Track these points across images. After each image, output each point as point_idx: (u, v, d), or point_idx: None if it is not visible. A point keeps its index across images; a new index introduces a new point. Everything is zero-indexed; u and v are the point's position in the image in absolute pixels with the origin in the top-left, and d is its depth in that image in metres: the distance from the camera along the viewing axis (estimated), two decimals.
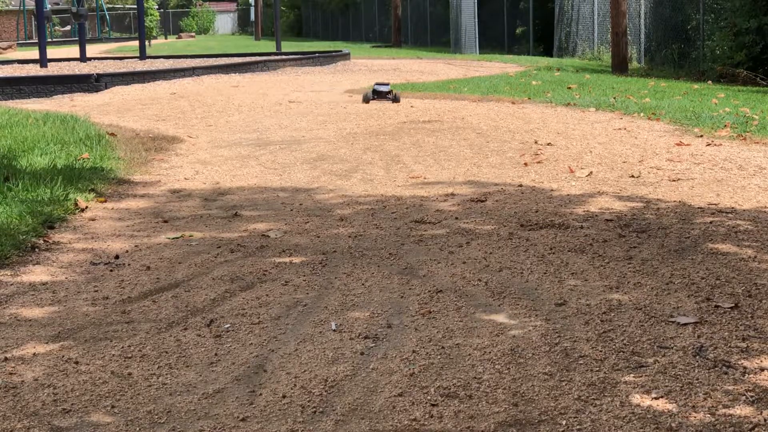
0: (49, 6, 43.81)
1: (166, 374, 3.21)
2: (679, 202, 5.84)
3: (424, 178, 6.91)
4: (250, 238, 5.17)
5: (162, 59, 23.72)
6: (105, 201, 6.31)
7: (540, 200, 5.98)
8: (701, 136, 8.74)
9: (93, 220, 5.74)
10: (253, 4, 60.83)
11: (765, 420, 2.72)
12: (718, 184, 6.40)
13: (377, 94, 12.67)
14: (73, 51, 28.29)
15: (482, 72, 19.66)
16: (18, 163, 7.31)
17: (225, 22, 72.85)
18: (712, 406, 2.83)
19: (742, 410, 2.80)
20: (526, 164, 7.37)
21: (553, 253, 4.65)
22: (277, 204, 6.12)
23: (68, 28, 53.17)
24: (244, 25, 72.60)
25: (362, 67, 21.58)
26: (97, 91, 15.21)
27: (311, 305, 3.93)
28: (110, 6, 62.23)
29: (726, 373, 3.08)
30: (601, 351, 3.30)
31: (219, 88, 15.52)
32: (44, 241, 5.12)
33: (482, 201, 5.99)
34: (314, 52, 24.93)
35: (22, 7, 53.72)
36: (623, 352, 3.29)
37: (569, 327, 3.55)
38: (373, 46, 38.16)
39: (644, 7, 21.13)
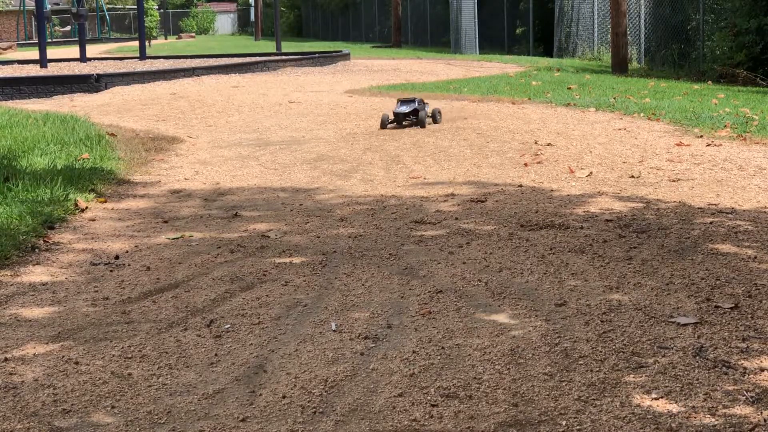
0: (49, 6, 43.83)
1: (166, 374, 3.21)
2: (679, 202, 5.84)
3: (424, 179, 6.91)
4: (250, 239, 5.17)
5: (162, 59, 23.72)
6: (105, 201, 6.31)
7: (540, 200, 5.98)
8: (701, 136, 8.73)
9: (93, 220, 5.74)
10: (253, 4, 60.85)
11: (765, 420, 2.72)
12: (718, 185, 6.40)
13: (398, 118, 9.67)
14: (73, 51, 28.30)
15: (482, 72, 19.67)
16: (18, 163, 7.31)
17: (225, 22, 72.85)
18: (712, 407, 2.83)
19: (742, 410, 2.80)
20: (526, 164, 7.37)
21: (553, 254, 4.65)
22: (277, 204, 6.12)
23: (68, 28, 53.18)
24: (244, 26, 72.61)
25: (362, 68, 21.58)
26: (97, 92, 15.21)
27: (311, 305, 3.93)
28: (110, 6, 62.25)
29: (726, 374, 3.08)
30: (601, 351, 3.30)
31: (219, 88, 15.52)
32: (44, 241, 5.12)
33: (482, 201, 5.99)
34: (314, 53, 24.93)
35: (22, 8, 53.73)
36: (623, 352, 3.29)
37: (569, 327, 3.55)
38: (373, 46, 38.15)
39: (644, 8, 21.13)
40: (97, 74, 15.81)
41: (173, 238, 5.23)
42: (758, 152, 7.74)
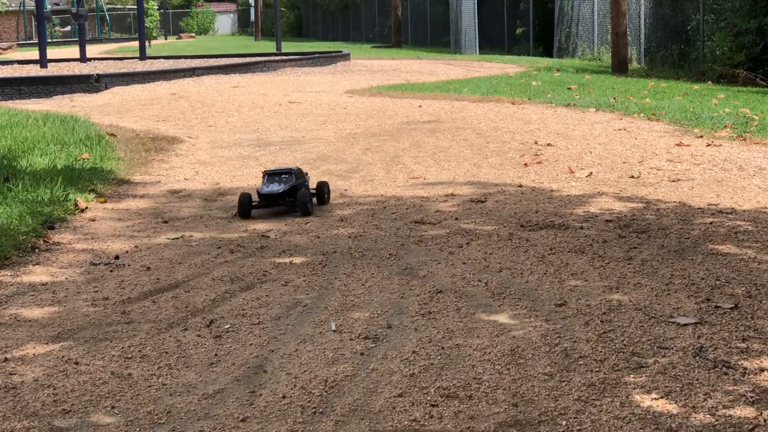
0: (49, 6, 43.85)
1: (166, 375, 3.21)
2: (679, 202, 5.84)
3: (424, 179, 6.91)
4: (250, 239, 5.17)
5: (162, 59, 23.73)
6: (105, 201, 6.31)
7: (540, 201, 5.98)
8: (701, 136, 8.73)
9: (93, 220, 5.74)
10: (253, 4, 60.85)
11: (765, 420, 2.72)
12: (718, 185, 6.40)
13: (267, 200, 5.90)
14: (73, 51, 28.30)
15: (482, 72, 19.67)
16: (18, 163, 7.31)
17: (225, 22, 72.85)
18: (712, 407, 2.83)
19: (742, 411, 2.80)
20: (526, 165, 7.37)
21: (553, 254, 4.65)
22: None
23: (68, 28, 53.18)
24: (244, 26, 72.61)
25: (362, 68, 21.58)
26: (97, 92, 15.22)
27: (311, 306, 3.93)
28: (110, 6, 62.24)
29: (726, 374, 3.08)
30: (601, 351, 3.30)
31: (219, 88, 15.52)
32: (44, 241, 5.12)
33: (482, 201, 5.99)
34: (314, 53, 24.93)
35: (22, 8, 53.73)
36: (623, 352, 3.29)
37: (569, 327, 3.55)
38: (373, 46, 38.15)
39: (644, 8, 21.13)
40: (97, 74, 15.81)
41: (173, 238, 5.23)
42: (758, 152, 7.74)
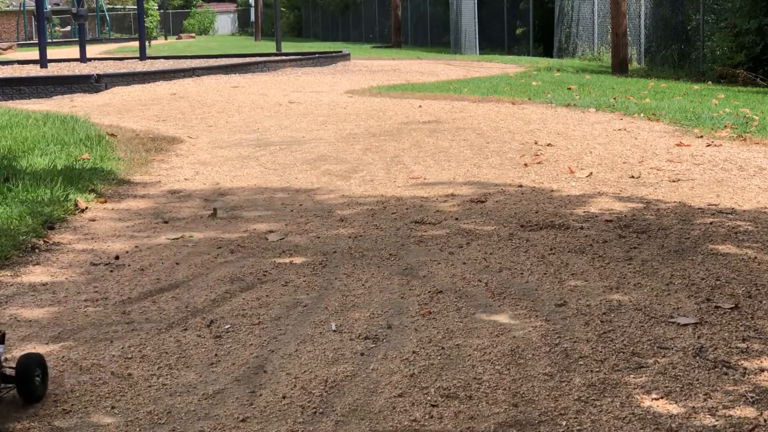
0: (49, 6, 43.85)
1: (166, 375, 3.21)
2: (679, 202, 5.84)
3: (424, 179, 6.90)
4: (250, 239, 5.17)
5: (162, 60, 23.72)
6: (105, 201, 6.31)
7: (540, 201, 5.97)
8: (701, 136, 8.73)
9: (93, 220, 5.74)
10: (253, 4, 60.86)
11: (765, 421, 2.72)
12: (718, 185, 6.40)
13: None
14: (74, 51, 28.29)
15: (482, 72, 19.66)
16: (18, 163, 7.31)
17: (225, 22, 72.86)
18: (713, 407, 2.83)
19: (742, 411, 2.80)
20: (526, 165, 7.37)
21: (554, 254, 4.65)
22: (277, 204, 6.12)
23: (68, 28, 53.18)
24: (244, 26, 72.62)
25: (362, 68, 21.58)
26: (97, 92, 15.21)
27: (311, 306, 3.93)
28: (110, 7, 62.24)
29: (726, 374, 3.08)
30: (601, 352, 3.30)
31: (219, 88, 15.52)
32: (44, 241, 5.12)
33: (482, 202, 5.98)
34: (314, 53, 24.93)
35: (22, 8, 53.73)
36: (623, 352, 3.29)
37: (569, 327, 3.55)
38: (373, 46, 38.15)
39: (644, 8, 21.13)
40: (97, 74, 15.81)
41: (173, 239, 5.23)
42: (758, 152, 7.74)
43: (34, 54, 25.22)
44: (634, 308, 3.77)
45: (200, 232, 5.36)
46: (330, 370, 3.20)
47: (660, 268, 4.35)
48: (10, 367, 2.98)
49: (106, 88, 15.46)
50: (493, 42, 30.08)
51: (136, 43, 30.33)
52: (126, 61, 23.89)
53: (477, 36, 29.45)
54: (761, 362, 3.17)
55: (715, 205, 5.75)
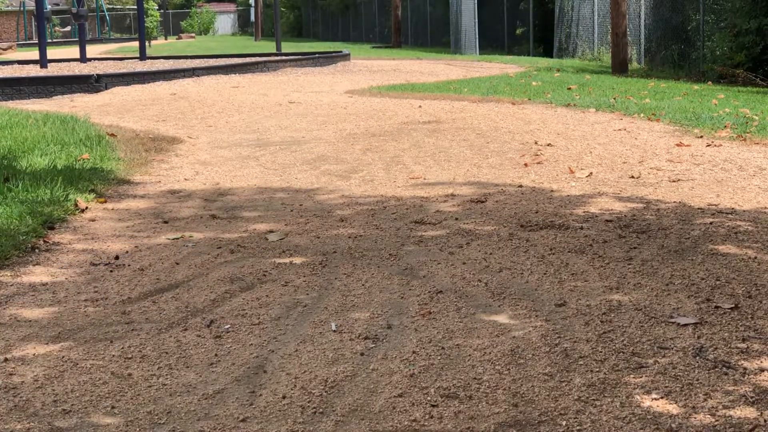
0: (49, 6, 43.83)
1: (166, 375, 3.21)
2: (679, 202, 5.84)
3: (424, 179, 6.90)
4: (250, 239, 5.17)
5: (162, 60, 23.73)
6: (105, 201, 6.31)
7: (540, 201, 5.97)
8: (701, 136, 8.73)
9: (93, 220, 5.74)
10: (253, 4, 60.84)
11: (765, 421, 2.72)
12: (718, 185, 6.40)
13: None
14: (73, 51, 28.30)
15: (482, 73, 19.67)
16: (18, 163, 7.31)
17: (225, 22, 72.87)
18: (713, 407, 2.83)
19: (742, 411, 2.80)
20: (526, 165, 7.37)
21: (553, 254, 4.65)
22: (277, 205, 6.12)
23: (68, 28, 53.18)
24: (244, 26, 72.63)
25: (362, 68, 21.58)
26: (97, 92, 15.22)
27: (311, 306, 3.93)
28: (110, 7, 62.25)
29: (726, 374, 3.08)
30: (601, 352, 3.30)
31: (219, 88, 15.52)
32: (44, 241, 5.12)
33: (482, 202, 5.99)
34: (314, 53, 24.93)
35: (22, 8, 53.73)
36: (623, 352, 3.29)
37: (569, 328, 3.55)
38: (373, 46, 38.16)
39: (644, 8, 21.13)
40: (97, 74, 15.81)
41: (173, 239, 5.23)
42: (758, 152, 7.74)
43: (34, 54, 25.23)
44: (634, 308, 3.77)
45: (200, 232, 5.36)
46: (330, 370, 3.20)
47: (660, 268, 4.35)
48: None
49: (106, 88, 15.47)
50: (493, 42, 30.09)
51: (136, 43, 30.34)
52: (126, 61, 23.89)
53: (477, 36, 29.45)
54: (761, 362, 3.17)
55: (715, 205, 5.75)
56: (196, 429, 2.79)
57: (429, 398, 2.95)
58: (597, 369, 3.14)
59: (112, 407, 2.96)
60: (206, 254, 4.84)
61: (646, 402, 2.87)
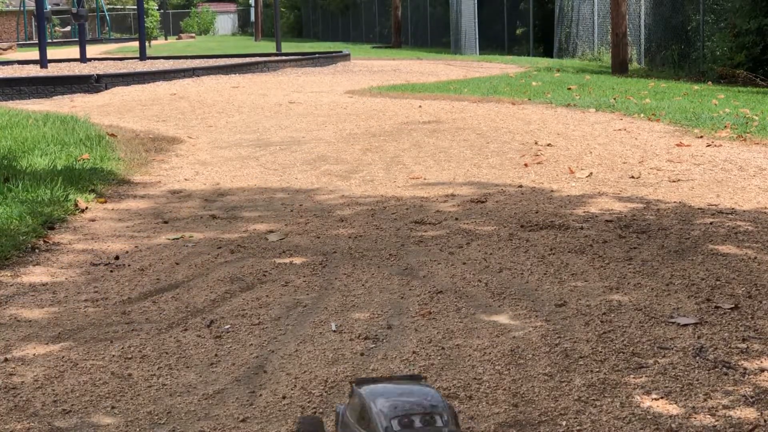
0: (49, 6, 43.83)
1: (166, 375, 3.21)
2: (679, 202, 5.84)
3: (424, 179, 6.90)
4: (250, 239, 5.17)
5: (162, 60, 23.72)
6: (105, 201, 6.31)
7: (540, 201, 5.97)
8: (701, 136, 8.74)
9: (93, 220, 5.74)
10: (253, 4, 60.84)
11: (765, 421, 2.72)
12: (718, 185, 6.40)
13: None
14: (74, 52, 28.29)
15: (482, 73, 19.67)
16: (18, 163, 7.31)
17: (225, 22, 72.87)
18: (713, 407, 2.83)
19: (742, 411, 2.80)
20: (526, 165, 7.37)
21: (553, 254, 4.65)
22: (277, 205, 6.12)
23: (68, 28, 53.19)
24: (244, 26, 72.62)
25: (362, 68, 21.58)
26: (97, 92, 15.22)
27: (311, 306, 3.93)
28: (110, 7, 62.25)
29: (726, 374, 3.08)
30: (601, 352, 3.30)
31: (219, 88, 15.52)
32: (44, 241, 5.12)
33: (482, 202, 5.99)
34: (314, 53, 24.93)
35: (22, 8, 53.73)
36: (623, 352, 3.29)
37: (569, 328, 3.55)
38: (373, 47, 38.16)
39: (644, 8, 21.13)
40: (97, 74, 15.81)
41: (173, 239, 5.23)
42: (758, 153, 7.74)
43: (34, 54, 25.22)
44: (634, 308, 3.77)
45: (200, 232, 5.36)
46: (330, 370, 3.20)
47: (660, 268, 4.35)
48: None
49: (106, 88, 15.47)
50: (493, 42, 30.08)
51: (136, 43, 30.33)
52: (126, 61, 23.89)
53: (477, 36, 29.45)
54: (761, 362, 3.17)
55: (715, 205, 5.75)
56: (196, 429, 2.79)
57: None
58: (597, 369, 3.14)
59: (112, 407, 2.96)
60: (206, 254, 4.84)
61: (646, 402, 2.87)
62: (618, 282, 4.15)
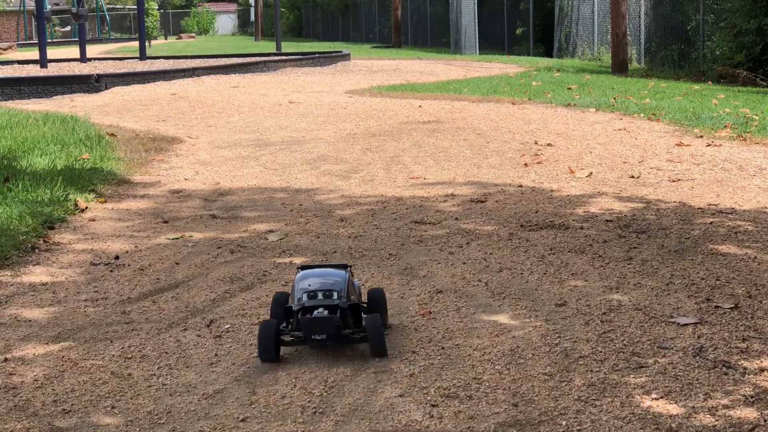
0: (49, 6, 43.83)
1: (166, 375, 3.21)
2: (679, 202, 5.84)
3: (424, 179, 6.90)
4: (250, 239, 5.17)
5: (162, 60, 23.72)
6: (105, 201, 6.31)
7: (540, 201, 5.97)
8: (701, 136, 8.74)
9: (93, 220, 5.74)
10: (253, 4, 60.83)
11: (765, 421, 2.72)
12: (718, 185, 6.40)
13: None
14: (74, 51, 28.29)
15: (482, 72, 19.66)
16: (18, 163, 7.31)
17: (225, 22, 72.85)
18: (712, 407, 2.83)
19: (742, 411, 2.80)
20: (526, 165, 7.37)
21: (553, 254, 4.65)
22: (277, 204, 6.12)
23: (68, 28, 53.19)
24: (244, 26, 72.61)
25: (362, 68, 21.58)
26: (97, 92, 15.21)
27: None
28: (110, 7, 62.25)
29: (726, 374, 3.08)
30: (601, 351, 3.30)
31: (219, 88, 15.52)
32: (44, 241, 5.12)
33: (482, 201, 5.98)
34: (314, 53, 24.93)
35: (22, 8, 53.73)
36: (623, 352, 3.29)
37: (569, 327, 3.55)
38: (373, 46, 38.15)
39: (644, 8, 21.13)
40: (97, 74, 15.81)
41: (173, 239, 5.23)
42: (758, 152, 7.74)
43: (34, 54, 25.22)
44: (634, 308, 3.77)
45: (200, 232, 5.36)
46: (330, 370, 3.20)
47: (660, 268, 4.35)
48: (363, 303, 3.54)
49: (106, 88, 15.46)
50: (493, 42, 30.08)
51: (136, 43, 30.33)
52: (126, 61, 23.89)
53: (477, 36, 29.44)
54: (761, 362, 3.17)
55: (715, 205, 5.75)
56: (196, 429, 2.79)
57: (429, 398, 2.95)
58: (597, 369, 3.14)
59: (112, 407, 2.96)
60: (206, 254, 4.84)
61: (646, 402, 2.87)
62: (618, 282, 4.15)
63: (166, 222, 5.68)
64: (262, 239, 5.15)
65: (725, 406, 2.83)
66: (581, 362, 3.20)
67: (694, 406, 2.83)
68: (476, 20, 29.29)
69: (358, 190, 6.57)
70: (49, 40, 37.62)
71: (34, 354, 3.44)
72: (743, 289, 4.00)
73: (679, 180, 6.60)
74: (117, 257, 4.82)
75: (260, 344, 3.26)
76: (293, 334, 3.30)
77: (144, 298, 4.12)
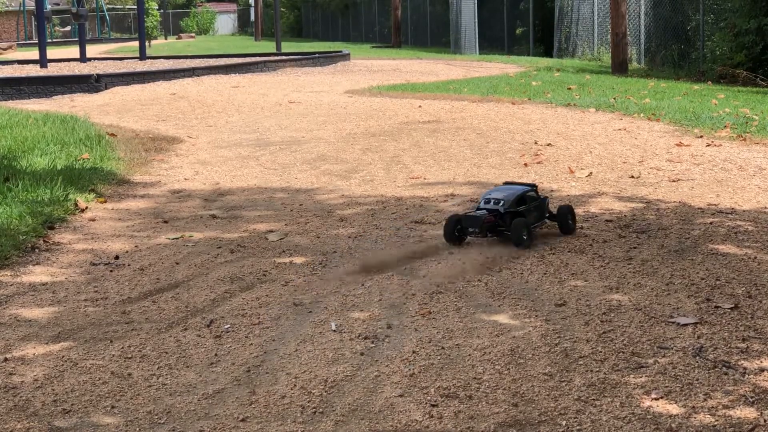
0: (49, 6, 43.83)
1: (166, 374, 3.21)
2: (679, 202, 5.84)
3: (424, 179, 6.90)
4: (250, 239, 5.17)
5: (162, 59, 23.72)
6: (105, 201, 6.31)
7: None
8: (701, 136, 8.73)
9: (93, 220, 5.74)
10: (253, 4, 60.84)
11: (765, 421, 2.72)
12: (718, 185, 6.40)
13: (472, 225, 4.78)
14: (73, 51, 28.29)
15: (482, 72, 19.66)
16: (18, 163, 7.31)
17: (225, 22, 72.83)
18: (712, 407, 2.83)
19: (741, 410, 2.80)
20: (526, 165, 7.37)
21: (553, 254, 4.65)
22: (277, 204, 6.12)
23: (68, 28, 53.20)
24: (244, 26, 72.60)
25: (362, 68, 21.58)
26: (97, 92, 15.22)
27: (311, 306, 3.93)
28: (110, 6, 62.25)
29: (726, 374, 3.08)
30: (601, 351, 3.30)
31: (219, 88, 15.52)
32: (44, 241, 5.12)
33: None
34: (314, 53, 24.92)
35: (22, 8, 53.73)
36: (623, 352, 3.29)
37: (569, 327, 3.55)
38: (373, 46, 38.13)
39: (644, 8, 21.13)
40: (97, 74, 15.81)
41: (173, 238, 5.23)
42: (758, 152, 7.74)
43: (34, 54, 25.22)
44: (634, 308, 3.77)
45: (200, 232, 5.36)
46: (330, 370, 3.20)
47: (660, 268, 4.35)
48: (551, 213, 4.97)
49: (106, 88, 15.46)
50: (493, 42, 30.07)
51: (136, 43, 30.32)
52: (126, 61, 23.90)
53: (477, 36, 29.44)
54: (761, 362, 3.18)
55: (715, 205, 5.75)
56: (196, 429, 2.79)
57: (429, 398, 2.95)
58: (597, 369, 3.14)
59: (112, 407, 2.96)
60: (206, 254, 4.84)
61: (646, 402, 2.87)
62: (618, 282, 4.15)
63: (166, 222, 5.68)
64: (262, 239, 5.15)
65: (725, 406, 2.83)
66: (581, 362, 3.21)
67: (694, 406, 2.84)
68: (476, 20, 29.29)
69: (358, 190, 6.57)
70: (49, 40, 37.63)
71: (34, 354, 3.44)
72: (743, 289, 4.00)
73: (679, 180, 6.60)
74: (117, 257, 4.82)
75: (444, 231, 4.78)
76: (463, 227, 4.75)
77: (144, 298, 4.12)
